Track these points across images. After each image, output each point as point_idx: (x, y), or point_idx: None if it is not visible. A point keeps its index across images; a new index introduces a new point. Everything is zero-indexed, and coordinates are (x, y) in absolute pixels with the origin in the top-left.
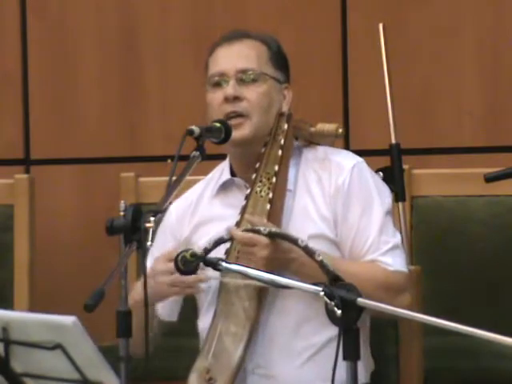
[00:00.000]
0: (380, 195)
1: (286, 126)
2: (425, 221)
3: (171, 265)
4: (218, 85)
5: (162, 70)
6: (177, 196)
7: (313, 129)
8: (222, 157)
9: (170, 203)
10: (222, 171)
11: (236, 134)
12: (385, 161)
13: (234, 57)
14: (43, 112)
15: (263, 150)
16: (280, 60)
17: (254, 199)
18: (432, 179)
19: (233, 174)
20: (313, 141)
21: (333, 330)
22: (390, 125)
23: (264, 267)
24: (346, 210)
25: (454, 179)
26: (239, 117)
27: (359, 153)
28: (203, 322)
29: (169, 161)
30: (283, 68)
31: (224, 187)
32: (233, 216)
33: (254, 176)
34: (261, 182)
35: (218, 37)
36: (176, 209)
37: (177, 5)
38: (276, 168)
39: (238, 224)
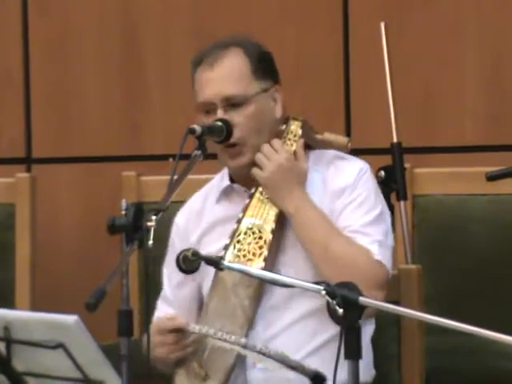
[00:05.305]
0: (377, 202)
1: (300, 132)
2: (426, 219)
3: (164, 338)
4: (207, 112)
5: (164, 69)
6: (178, 195)
7: (319, 136)
8: None
9: (172, 202)
10: (222, 178)
11: (234, 163)
12: (386, 160)
13: (217, 83)
14: (45, 111)
15: None
16: (263, 66)
17: (257, 200)
18: (433, 178)
19: (231, 180)
20: (317, 147)
21: (336, 328)
22: (391, 124)
23: (273, 174)
24: (344, 207)
25: (455, 178)
26: (234, 146)
27: (361, 151)
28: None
29: (170, 159)
30: (268, 72)
31: (225, 193)
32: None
33: None
34: None
35: (219, 37)
36: (181, 221)
37: (179, 4)
38: None
39: (239, 221)
